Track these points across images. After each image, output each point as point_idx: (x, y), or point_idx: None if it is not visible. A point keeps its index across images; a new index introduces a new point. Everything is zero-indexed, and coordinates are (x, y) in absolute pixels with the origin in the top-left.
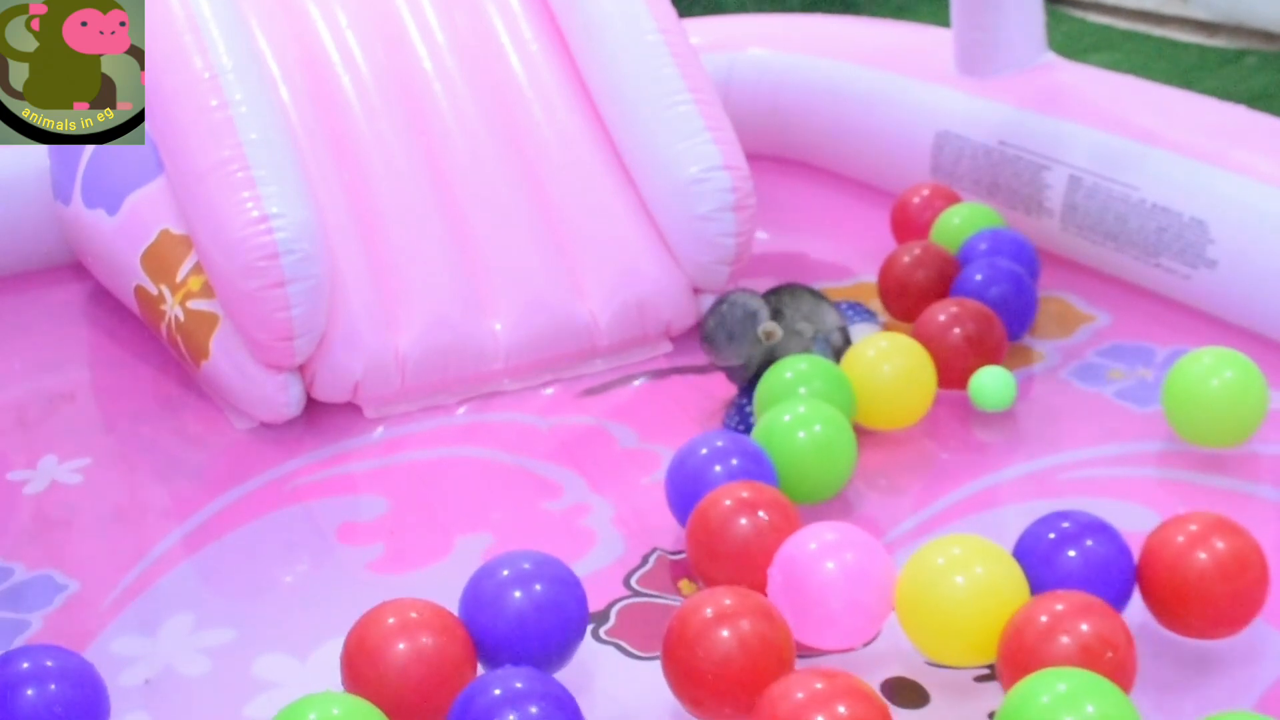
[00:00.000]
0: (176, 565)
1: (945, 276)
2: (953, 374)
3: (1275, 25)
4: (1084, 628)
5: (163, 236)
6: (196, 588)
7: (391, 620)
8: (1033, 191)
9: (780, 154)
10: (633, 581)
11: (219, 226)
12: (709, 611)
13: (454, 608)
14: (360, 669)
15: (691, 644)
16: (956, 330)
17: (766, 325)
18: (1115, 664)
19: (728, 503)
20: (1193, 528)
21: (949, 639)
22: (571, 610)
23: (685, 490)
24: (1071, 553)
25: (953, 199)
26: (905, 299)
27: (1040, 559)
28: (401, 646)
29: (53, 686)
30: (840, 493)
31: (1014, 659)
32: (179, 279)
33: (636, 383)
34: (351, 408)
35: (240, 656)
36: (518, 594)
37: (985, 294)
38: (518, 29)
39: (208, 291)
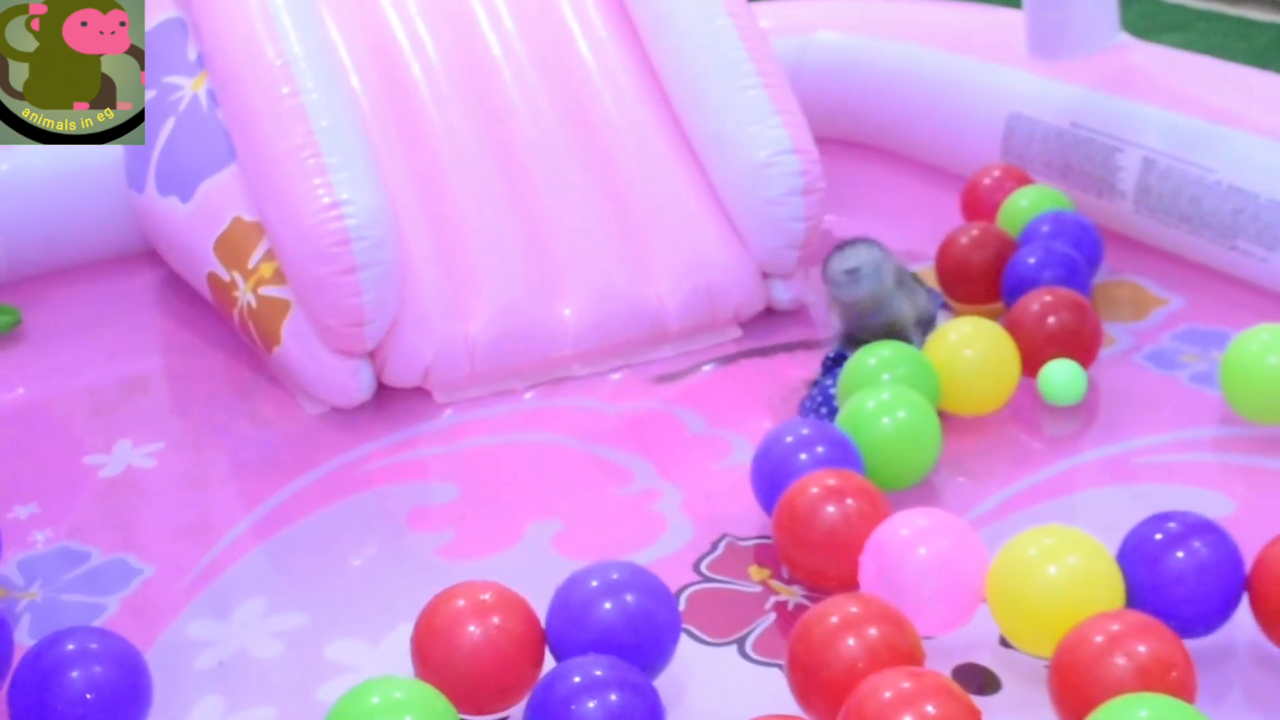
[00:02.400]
0: (249, 550)
1: (1003, 258)
2: (1042, 363)
3: None
4: (1141, 649)
5: (235, 223)
6: (269, 572)
7: (462, 603)
8: (1105, 174)
9: (850, 138)
10: (703, 567)
11: (291, 213)
12: (835, 620)
13: (524, 593)
14: (429, 652)
15: (819, 652)
16: (1051, 320)
17: (891, 264)
18: (1178, 684)
19: (815, 490)
20: None
21: (1041, 629)
22: (664, 628)
23: (771, 478)
24: (1180, 554)
25: (1024, 180)
26: (963, 280)
27: (1145, 561)
28: (472, 629)
29: (98, 669)
30: (924, 478)
31: (1067, 680)
32: (251, 265)
33: (707, 368)
34: (421, 393)
35: (313, 640)
36: (608, 605)
37: (1038, 277)
38: (586, 14)
39: (280, 278)
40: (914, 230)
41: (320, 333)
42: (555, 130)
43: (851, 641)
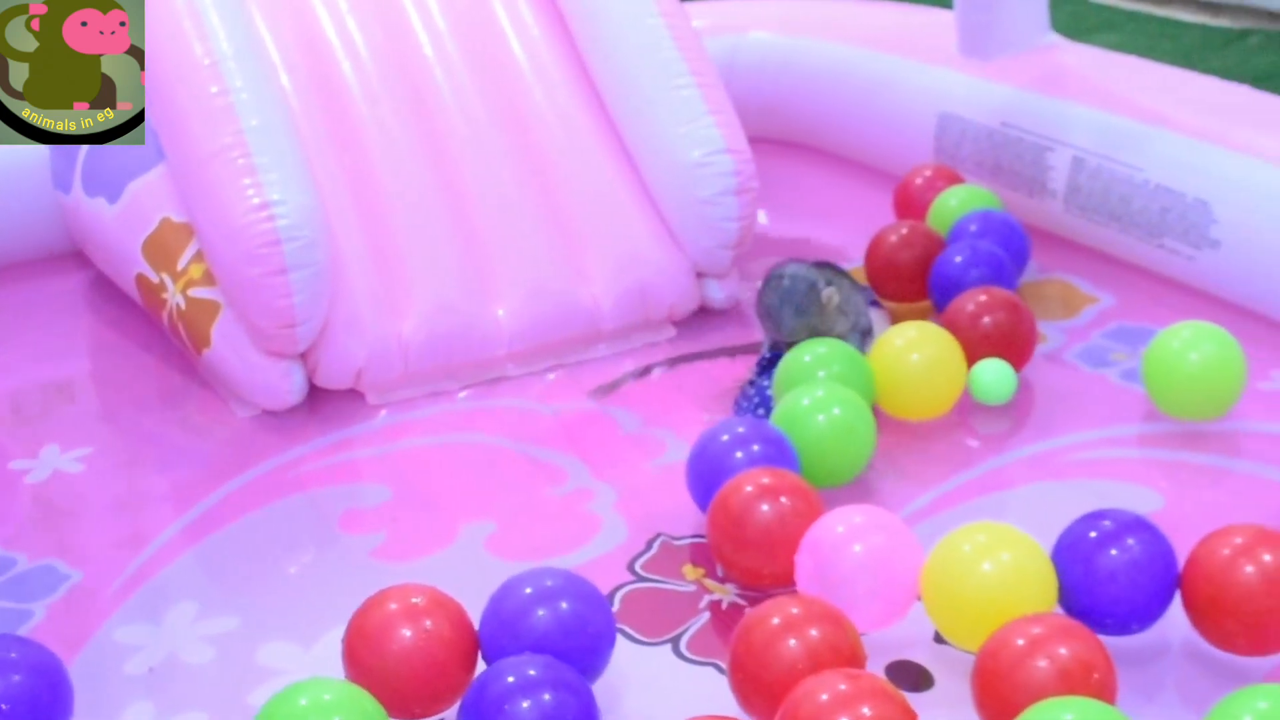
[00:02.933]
0: (179, 554)
1: (931, 257)
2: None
3: (1279, 5)
4: (1062, 651)
5: (164, 225)
6: (199, 576)
7: (394, 606)
8: (1036, 173)
9: (783, 138)
10: (637, 567)
11: (220, 214)
12: (776, 621)
13: (458, 595)
14: (361, 655)
15: (760, 653)
16: (986, 320)
17: (827, 291)
18: (1100, 685)
19: (749, 488)
20: (1238, 540)
21: (974, 625)
22: (599, 635)
23: (706, 477)
24: (1113, 552)
25: (955, 180)
26: (891, 278)
27: (1079, 558)
28: (404, 633)
29: (16, 678)
30: (858, 475)
31: (990, 684)
32: (180, 267)
33: (656, 372)
34: (354, 394)
35: (244, 645)
36: (542, 613)
37: (964, 276)
38: (518, 13)
39: (209, 279)
40: (846, 229)
41: (251, 334)
42: (487, 128)
43: (793, 643)
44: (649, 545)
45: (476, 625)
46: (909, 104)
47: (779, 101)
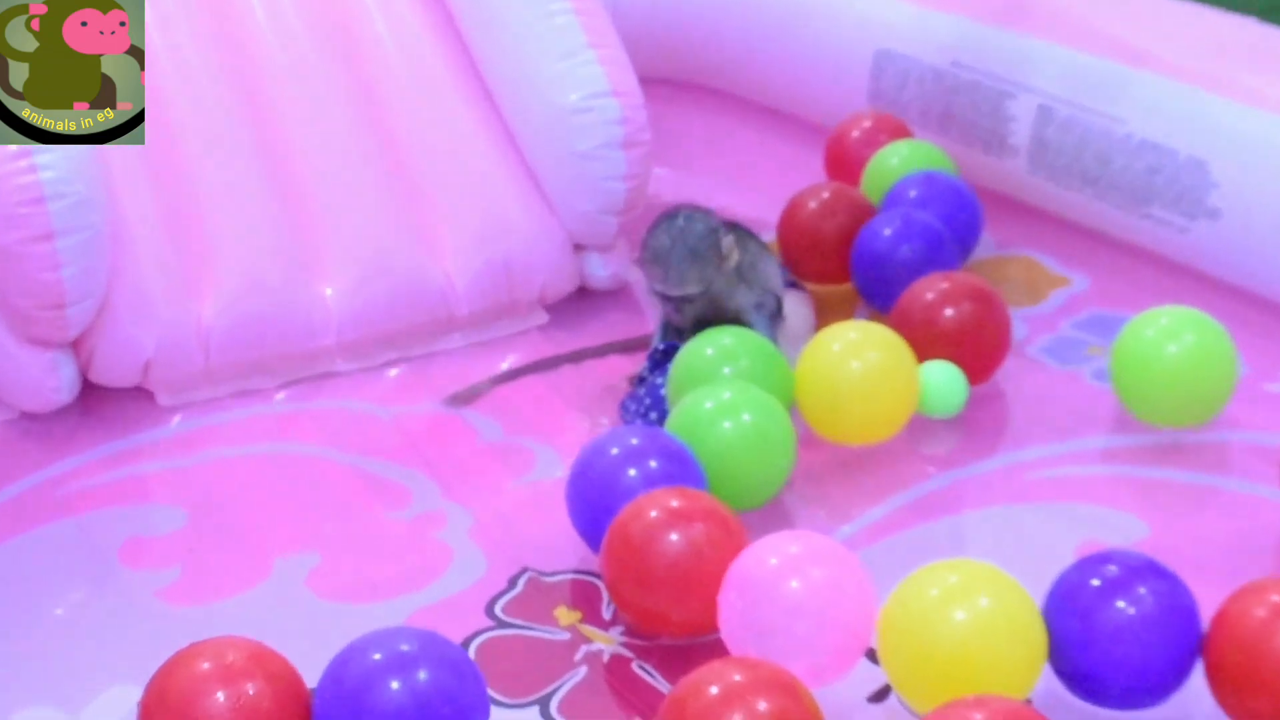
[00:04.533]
0: None
1: (859, 228)
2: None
3: None
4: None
5: None
6: None
7: (205, 665)
8: (994, 125)
9: (681, 78)
10: (498, 609)
11: None
12: (715, 691)
13: (276, 646)
14: None
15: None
16: (948, 312)
17: (729, 241)
18: None
19: (654, 514)
20: (1276, 599)
21: (938, 686)
22: (468, 713)
23: (592, 500)
24: (1121, 605)
25: (902, 133)
26: (809, 254)
27: (1076, 612)
28: (219, 698)
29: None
30: (774, 497)
31: None
32: None
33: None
34: (140, 394)
35: None
36: (395, 685)
37: (892, 254)
38: None
39: None
40: (765, 194)
41: (8, 317)
42: (315, 68)
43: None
44: (512, 583)
45: (309, 685)
46: (838, 38)
47: (678, 35)
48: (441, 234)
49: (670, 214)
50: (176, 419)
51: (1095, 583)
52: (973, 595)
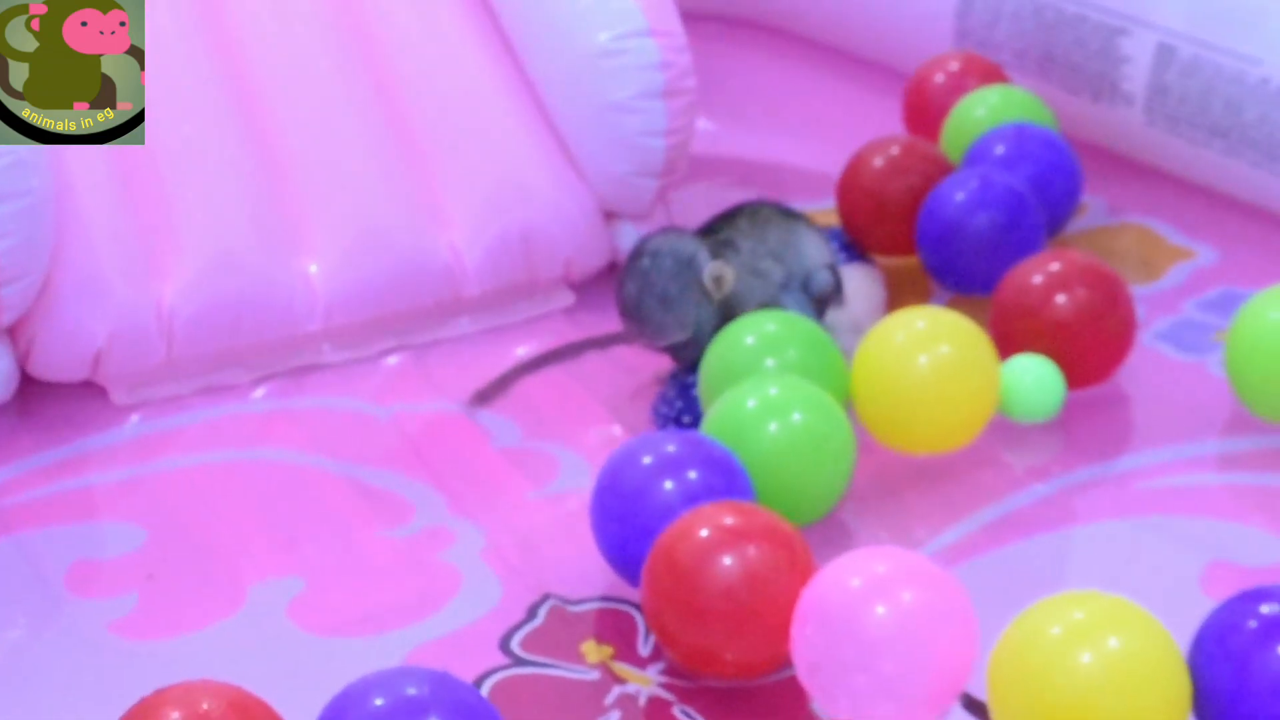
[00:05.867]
0: None
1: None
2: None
3: None
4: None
5: None
6: None
7: (176, 716)
8: (1104, 68)
9: (731, 13)
10: (514, 644)
11: None
12: None
13: (253, 689)
14: None
15: None
16: (1061, 300)
17: (713, 269)
18: None
19: (705, 534)
20: None
21: None
22: None
23: (621, 516)
24: None
25: (996, 77)
26: (874, 220)
27: (1229, 658)
28: None
29: None
30: (833, 510)
31: None
32: None
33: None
34: (91, 390)
35: None
36: None
37: (966, 224)
38: None
39: None
40: (829, 148)
41: None
42: (299, 8)
43: None
44: (532, 613)
45: None
46: None
47: None
48: (447, 201)
49: (637, 251)
50: (134, 420)
51: (1252, 624)
52: (1104, 635)
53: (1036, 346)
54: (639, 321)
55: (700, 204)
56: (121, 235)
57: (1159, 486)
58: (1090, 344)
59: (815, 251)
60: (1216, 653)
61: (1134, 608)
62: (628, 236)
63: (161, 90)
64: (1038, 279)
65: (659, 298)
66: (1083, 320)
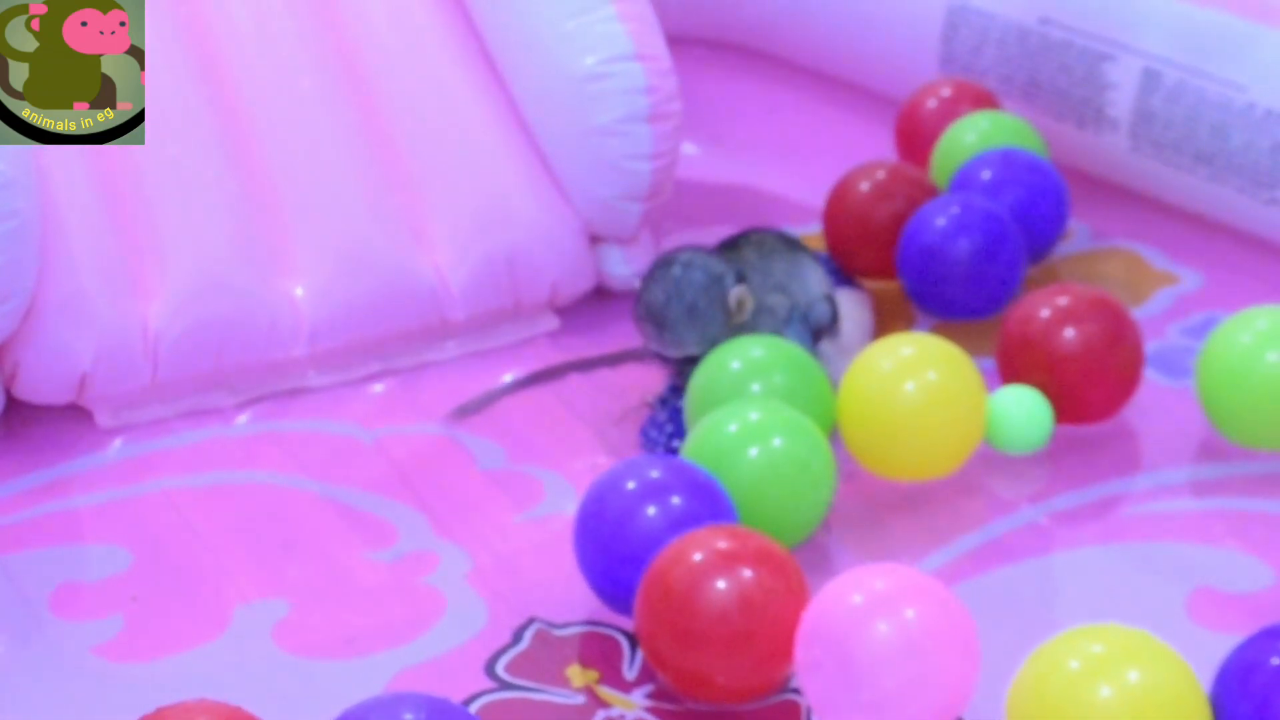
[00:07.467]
0: None
1: None
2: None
3: None
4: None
5: None
6: None
7: None
8: (1089, 93)
9: (717, 37)
10: (499, 668)
11: None
12: None
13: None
14: None
15: None
16: (1068, 334)
17: (738, 292)
18: None
19: (698, 557)
20: None
21: None
22: None
23: (605, 541)
24: None
25: (988, 103)
26: (859, 244)
27: (1253, 696)
28: None
29: None
30: (810, 536)
31: None
32: None
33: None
34: (75, 413)
35: None
36: None
37: (946, 251)
38: None
39: None
40: (815, 174)
41: None
42: (283, 29)
43: None
44: (517, 636)
45: None
46: None
47: None
48: (432, 223)
49: (665, 260)
50: (118, 443)
51: (1276, 662)
52: (1124, 670)
53: (1040, 380)
54: (660, 328)
55: (684, 229)
56: (106, 257)
57: (1143, 512)
58: (1097, 381)
59: (816, 283)
60: (1237, 690)
61: (1156, 642)
62: (613, 260)
63: (152, 113)
64: (1044, 313)
65: (687, 307)
66: (1090, 356)
